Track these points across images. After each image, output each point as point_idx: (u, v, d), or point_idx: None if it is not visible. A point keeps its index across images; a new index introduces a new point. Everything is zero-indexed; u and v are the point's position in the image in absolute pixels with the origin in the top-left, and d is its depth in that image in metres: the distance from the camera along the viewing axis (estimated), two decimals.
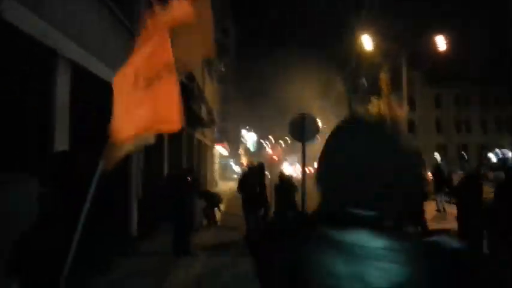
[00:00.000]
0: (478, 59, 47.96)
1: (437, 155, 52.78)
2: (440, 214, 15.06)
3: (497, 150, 51.72)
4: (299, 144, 8.67)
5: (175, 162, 13.78)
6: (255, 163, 10.51)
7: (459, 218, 6.30)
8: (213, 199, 12.40)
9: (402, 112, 33.78)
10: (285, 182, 9.55)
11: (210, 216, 12.35)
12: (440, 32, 29.31)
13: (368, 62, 34.86)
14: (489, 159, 51.48)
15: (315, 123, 8.12)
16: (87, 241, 2.37)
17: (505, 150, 51.42)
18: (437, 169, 17.02)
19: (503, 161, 49.22)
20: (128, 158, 7.72)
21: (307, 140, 8.09)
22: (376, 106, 35.50)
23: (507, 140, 52.48)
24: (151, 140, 3.16)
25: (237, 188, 9.80)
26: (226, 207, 14.85)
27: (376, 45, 30.65)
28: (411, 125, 53.74)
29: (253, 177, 9.37)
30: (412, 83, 38.16)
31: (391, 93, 33.70)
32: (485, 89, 54.24)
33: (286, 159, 74.98)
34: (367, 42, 29.87)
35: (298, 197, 9.40)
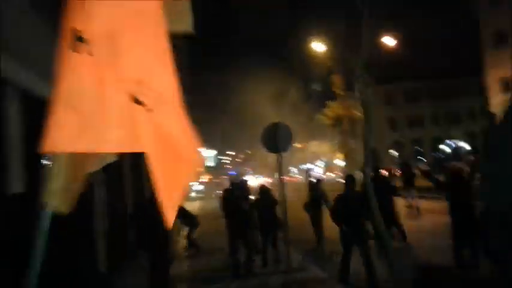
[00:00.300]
0: (423, 55, 49.73)
1: (393, 152, 54.27)
2: (411, 210, 15.05)
3: (448, 141, 53.82)
4: (261, 156, 8.34)
5: (138, 185, 12.98)
6: (235, 180, 9.86)
7: (452, 213, 6.12)
8: (193, 220, 11.45)
9: (358, 112, 34.30)
10: (266, 195, 8.89)
11: (193, 242, 11.47)
12: (389, 31, 30.13)
13: (319, 67, 35.23)
14: (443, 150, 53.54)
15: (289, 132, 7.73)
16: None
17: (456, 141, 53.65)
18: (405, 165, 17.58)
19: (455, 150, 51.36)
20: (87, 186, 7.01)
21: (282, 150, 7.67)
22: (332, 109, 35.95)
23: (458, 131, 54.84)
24: (112, 158, 2.57)
25: (221, 207, 8.90)
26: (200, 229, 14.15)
27: (328, 50, 31.03)
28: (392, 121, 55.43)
29: (238, 194, 8.55)
30: (363, 82, 39.20)
31: (345, 94, 34.23)
32: (432, 83, 56.40)
33: (249, 173, 74.67)
34: (318, 47, 30.15)
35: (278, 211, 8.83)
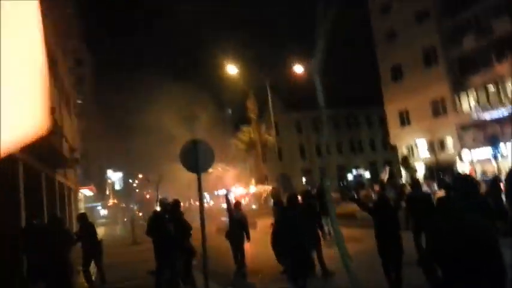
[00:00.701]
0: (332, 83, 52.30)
1: (303, 179, 55.97)
2: (330, 239, 14.78)
3: (353, 170, 57.07)
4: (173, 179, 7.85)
5: (35, 209, 11.43)
6: (165, 201, 9.02)
7: (378, 238, 6.03)
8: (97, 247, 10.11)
9: (271, 137, 34.90)
10: (179, 219, 8.13)
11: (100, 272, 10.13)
12: (299, 57, 31.26)
13: (232, 90, 35.37)
14: (347, 179, 56.60)
15: (210, 150, 7.19)
16: None
17: (360, 170, 57.15)
18: (320, 191, 16.84)
19: (357, 178, 54.55)
20: None
21: (202, 170, 7.09)
22: (246, 134, 36.17)
23: (361, 160, 58.44)
24: None
25: (147, 231, 8.38)
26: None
27: (240, 73, 31.26)
28: (279, 151, 56.29)
29: (168, 216, 8.14)
30: (274, 108, 39.90)
31: (259, 119, 34.73)
32: (336, 112, 59.70)
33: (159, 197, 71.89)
34: (231, 69, 30.16)
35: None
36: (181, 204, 9.01)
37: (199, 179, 7.11)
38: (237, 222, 9.45)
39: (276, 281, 8.24)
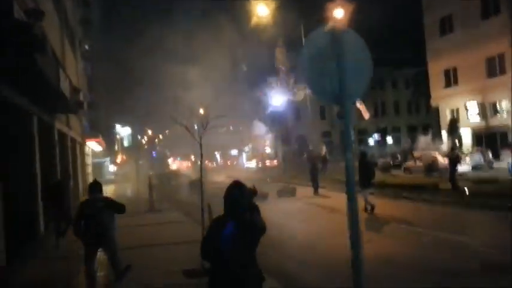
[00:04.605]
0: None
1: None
2: (370, 216, 11.83)
3: (375, 135, 53.24)
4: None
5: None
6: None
7: None
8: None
9: (303, 91, 31.08)
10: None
11: None
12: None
13: (256, 39, 31.10)
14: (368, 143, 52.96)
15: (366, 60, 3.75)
16: None
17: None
18: (363, 158, 13.20)
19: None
20: None
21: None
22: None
23: (384, 124, 54.71)
24: None
25: None
26: None
27: (271, 18, 27.00)
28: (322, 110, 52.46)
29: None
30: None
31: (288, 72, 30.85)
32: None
33: (167, 155, 69.03)
34: (262, 9, 25.71)
35: None
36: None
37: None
38: None
39: None
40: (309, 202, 16.27)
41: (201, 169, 7.23)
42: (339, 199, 15.91)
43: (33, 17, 7.09)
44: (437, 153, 23.54)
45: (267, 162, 51.48)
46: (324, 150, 33.28)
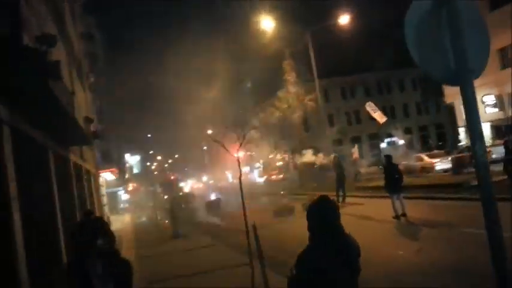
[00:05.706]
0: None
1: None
2: (400, 223, 11.50)
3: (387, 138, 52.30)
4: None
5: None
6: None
7: None
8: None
9: (313, 102, 30.59)
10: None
11: None
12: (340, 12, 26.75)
13: (261, 53, 30.84)
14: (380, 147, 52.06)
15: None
16: None
17: (394, 138, 52.34)
18: (389, 162, 13.78)
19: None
20: None
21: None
22: (283, 100, 31.84)
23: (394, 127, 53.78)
24: None
25: None
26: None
27: (275, 30, 26.75)
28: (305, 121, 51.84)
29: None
30: (299, 76, 34.87)
31: (297, 82, 30.37)
32: (366, 77, 55.22)
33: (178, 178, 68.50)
34: (267, 25, 25.55)
35: None
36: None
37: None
38: None
39: None
40: (344, 212, 15.50)
41: (241, 186, 6.96)
42: (373, 205, 15.18)
43: (46, 43, 6.61)
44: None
45: (273, 177, 51.34)
46: (356, 152, 32.75)
